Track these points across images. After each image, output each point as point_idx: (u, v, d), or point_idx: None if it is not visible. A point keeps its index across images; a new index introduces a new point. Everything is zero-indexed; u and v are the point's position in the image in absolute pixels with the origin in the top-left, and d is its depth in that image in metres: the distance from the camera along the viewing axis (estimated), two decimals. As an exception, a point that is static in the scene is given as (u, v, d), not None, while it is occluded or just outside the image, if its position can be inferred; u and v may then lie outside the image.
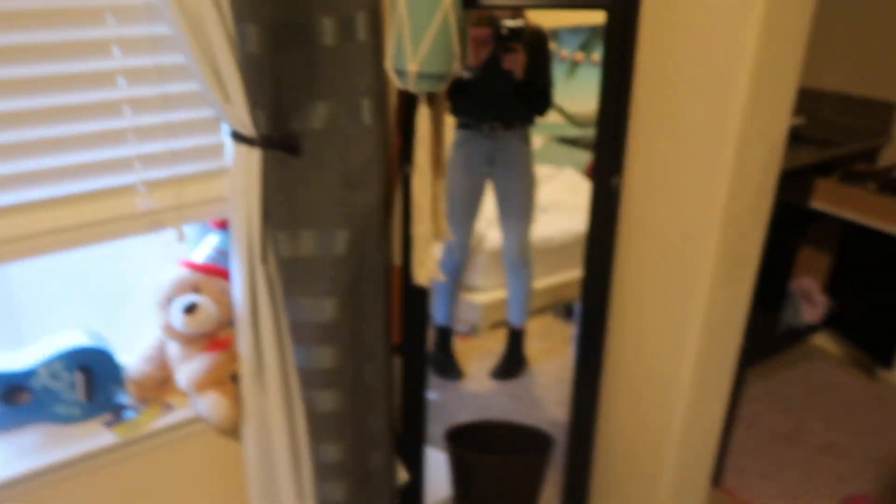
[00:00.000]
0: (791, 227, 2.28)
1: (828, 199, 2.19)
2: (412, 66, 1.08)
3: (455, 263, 2.48)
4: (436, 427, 2.21)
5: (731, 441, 2.06)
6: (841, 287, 2.57)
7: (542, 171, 3.32)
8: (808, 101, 2.54)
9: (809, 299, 2.58)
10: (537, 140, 3.52)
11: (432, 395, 2.53)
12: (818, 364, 2.61)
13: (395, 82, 1.13)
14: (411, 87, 1.10)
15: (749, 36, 1.09)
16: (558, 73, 2.51)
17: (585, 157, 3.27)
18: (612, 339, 1.51)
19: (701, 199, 1.23)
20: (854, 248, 2.49)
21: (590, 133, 1.29)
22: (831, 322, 2.62)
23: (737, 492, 1.98)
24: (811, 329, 2.61)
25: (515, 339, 2.64)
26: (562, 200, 3.24)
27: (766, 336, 2.40)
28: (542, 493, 1.81)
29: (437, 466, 1.98)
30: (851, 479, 2.04)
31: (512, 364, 2.64)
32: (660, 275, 1.36)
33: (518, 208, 2.40)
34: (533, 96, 2.22)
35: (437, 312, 2.54)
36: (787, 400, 2.39)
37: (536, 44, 2.10)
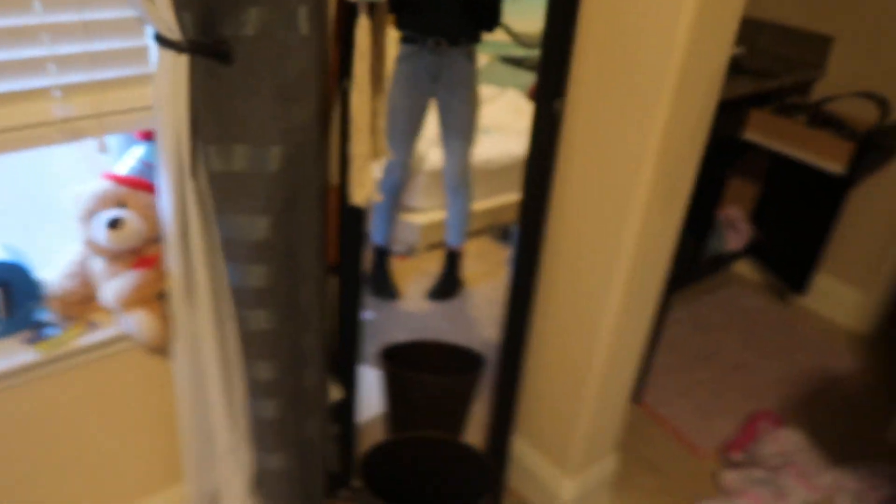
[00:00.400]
0: (723, 157, 2.33)
1: (760, 131, 2.24)
2: (352, -27, 1.02)
3: (395, 183, 2.44)
4: (372, 346, 2.24)
5: (653, 362, 2.17)
6: (765, 217, 2.68)
7: (485, 91, 3.28)
8: (749, 30, 2.56)
9: (734, 227, 2.68)
10: (482, 59, 3.45)
11: (369, 314, 2.55)
12: (738, 289, 2.74)
13: (334, -10, 1.07)
14: (351, -4, 1.05)
15: (698, -39, 1.08)
16: (506, -12, 2.44)
17: (530, 78, 3.23)
18: (547, 260, 1.53)
19: (640, 127, 1.24)
20: (780, 179, 2.58)
21: (535, 54, 1.27)
22: (753, 250, 2.74)
23: (654, 408, 2.10)
24: (734, 256, 2.73)
25: (452, 260, 2.66)
26: (504, 122, 3.22)
27: (692, 262, 2.49)
28: (472, 410, 1.88)
29: (371, 384, 2.02)
30: (759, 397, 2.19)
31: (448, 285, 2.67)
32: (596, 200, 1.37)
33: (460, 128, 2.37)
34: (481, 8, 2.15)
35: (375, 233, 2.52)
36: (707, 323, 2.52)
37: None
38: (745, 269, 2.88)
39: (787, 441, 1.93)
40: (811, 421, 2.10)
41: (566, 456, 1.66)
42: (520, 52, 3.33)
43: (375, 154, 1.38)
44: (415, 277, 2.80)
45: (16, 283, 1.17)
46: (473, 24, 2.18)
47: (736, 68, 2.29)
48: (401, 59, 2.20)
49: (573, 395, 1.59)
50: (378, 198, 1.26)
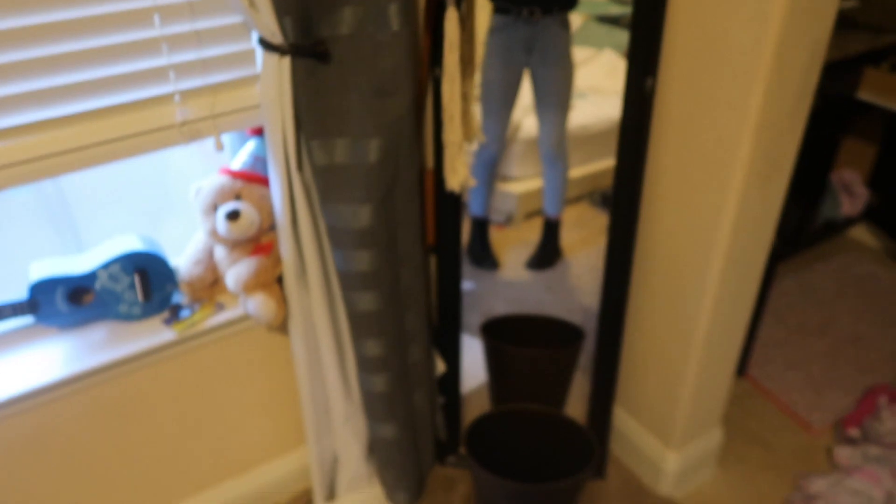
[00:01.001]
0: (835, 118, 2.20)
1: (876, 90, 2.10)
2: (440, -31, 1.05)
3: (492, 154, 2.46)
4: (473, 315, 2.30)
5: (758, 333, 2.11)
6: (884, 180, 2.51)
7: (580, 53, 3.21)
8: (866, -21, 2.38)
9: (850, 191, 2.53)
10: (576, 19, 3.36)
11: (469, 284, 2.61)
12: (853, 256, 2.59)
13: (423, -15, 1.11)
14: (439, -10, 1.08)
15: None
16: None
17: (626, 38, 3.16)
18: (643, 232, 1.53)
19: (736, 103, 1.21)
20: (901, 139, 2.41)
21: (630, 11, 1.26)
22: (871, 215, 2.58)
23: (761, 381, 2.05)
24: (849, 221, 2.58)
25: (550, 229, 2.66)
26: (600, 85, 3.14)
27: (802, 229, 2.38)
28: (573, 382, 1.91)
29: (474, 354, 2.09)
30: (875, 371, 2.09)
31: (547, 254, 2.68)
32: (692, 174, 1.36)
33: (556, 98, 2.35)
34: None
35: (473, 203, 2.56)
36: (818, 292, 2.41)
37: None
38: (862, 234, 2.71)
39: (907, 416, 1.84)
40: (936, 395, 1.98)
41: (669, 429, 1.67)
42: (616, 9, 3.22)
43: (468, 137, 1.42)
44: (514, 247, 2.83)
45: (153, 269, 1.31)
46: None
47: (847, 23, 2.15)
48: (494, 31, 2.19)
49: (675, 366, 1.58)
50: (472, 182, 1.30)
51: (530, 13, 2.15)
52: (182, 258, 1.38)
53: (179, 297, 1.39)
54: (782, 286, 2.45)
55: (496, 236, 2.83)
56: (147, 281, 1.31)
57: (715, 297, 1.44)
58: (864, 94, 2.13)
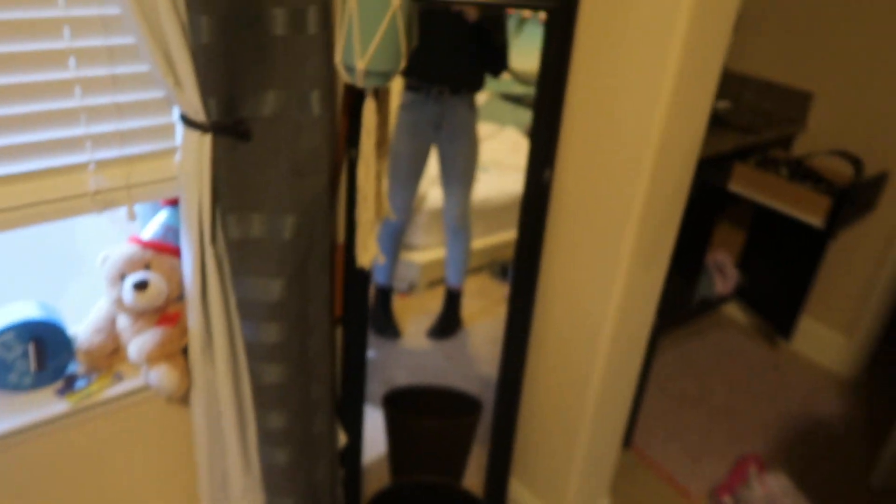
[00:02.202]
0: (710, 206, 2.45)
1: (744, 183, 2.36)
2: (360, 64, 1.13)
3: (398, 224, 2.53)
4: (373, 384, 2.32)
5: (642, 405, 2.26)
6: (752, 262, 2.78)
7: (484, 128, 3.37)
8: (734, 84, 2.69)
9: (722, 272, 2.79)
10: (481, 96, 3.55)
11: (371, 353, 2.62)
12: (727, 333, 2.83)
13: (344, 77, 1.18)
14: (359, 83, 1.16)
15: (673, 46, 1.19)
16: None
17: (529, 116, 3.34)
18: (540, 311, 1.63)
19: (624, 191, 1.35)
20: (765, 227, 2.69)
21: (533, 92, 1.40)
22: (741, 294, 2.84)
23: (645, 451, 2.18)
24: (723, 300, 2.83)
25: (452, 299, 2.74)
26: (502, 159, 3.31)
27: (682, 305, 2.59)
28: (472, 451, 1.96)
29: (375, 424, 2.09)
30: (746, 440, 2.27)
31: (448, 324, 2.75)
32: (585, 256, 1.48)
33: (461, 173, 2.46)
34: (489, 54, 2.23)
35: (378, 272, 2.61)
36: (695, 365, 2.61)
37: None
38: (734, 312, 2.97)
39: (773, 485, 2.01)
40: (797, 464, 2.18)
41: (562, 499, 1.74)
42: (518, 89, 3.42)
43: (379, 215, 1.49)
44: (415, 315, 2.87)
45: (49, 338, 1.26)
46: (480, 71, 2.27)
47: (721, 122, 2.42)
48: (404, 108, 2.29)
49: (568, 438, 1.67)
50: (382, 260, 1.36)
51: (439, 92, 2.27)
52: (82, 326, 1.34)
53: (76, 367, 1.35)
54: (664, 358, 2.63)
55: (398, 305, 2.87)
56: (42, 350, 1.27)
57: (603, 371, 1.55)
58: (734, 186, 2.39)
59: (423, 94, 2.26)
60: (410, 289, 3.10)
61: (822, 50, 2.43)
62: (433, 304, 2.91)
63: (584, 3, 1.31)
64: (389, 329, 2.69)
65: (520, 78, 3.37)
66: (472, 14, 1.92)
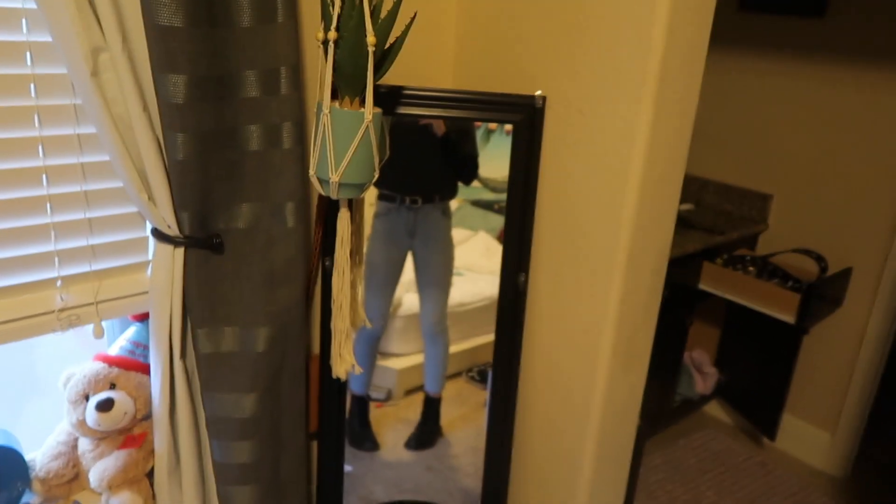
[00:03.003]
0: (683, 305, 2.47)
1: (713, 281, 2.40)
2: (334, 178, 1.15)
3: (374, 332, 2.51)
4: (350, 499, 2.21)
5: (632, 512, 2.17)
6: (729, 359, 2.78)
7: (457, 234, 3.43)
8: (696, 187, 2.79)
9: (701, 371, 2.78)
10: (452, 203, 3.65)
11: (347, 467, 2.52)
12: (711, 433, 2.79)
13: (318, 189, 1.20)
14: (333, 195, 1.17)
15: (635, 160, 1.24)
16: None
17: (500, 221, 3.41)
18: (521, 419, 1.59)
19: (597, 297, 1.35)
20: (739, 324, 2.71)
21: (503, 198, 1.43)
22: (721, 392, 2.82)
23: (638, 562, 2.07)
24: (704, 399, 2.80)
25: (431, 406, 2.67)
26: (476, 264, 3.35)
27: (663, 407, 2.56)
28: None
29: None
30: (741, 546, 2.18)
31: (427, 433, 2.67)
32: (563, 362, 1.46)
33: (436, 279, 2.47)
34: (459, 165, 2.30)
35: (354, 382, 2.56)
36: (683, 469, 2.54)
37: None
38: (716, 411, 2.94)
39: None
40: (794, 570, 2.09)
41: None
42: (489, 195, 3.52)
43: (354, 324, 1.47)
44: (393, 425, 2.78)
45: (4, 464, 1.19)
46: (451, 181, 2.34)
47: (686, 224, 2.48)
48: (379, 216, 2.33)
49: (554, 555, 1.59)
50: (358, 370, 1.33)
51: (412, 201, 2.32)
52: (39, 452, 1.27)
53: (31, 497, 1.26)
54: (651, 463, 2.56)
55: (375, 414, 2.79)
56: (-4, 478, 1.19)
57: (590, 479, 1.50)
58: (704, 285, 2.42)
59: (397, 203, 2.30)
60: (388, 397, 3.03)
61: (778, 154, 2.55)
62: (411, 412, 2.83)
63: (548, 115, 1.37)
64: (367, 441, 2.61)
65: (489, 185, 3.47)
66: (440, 129, 2.00)
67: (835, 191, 2.41)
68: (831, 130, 2.39)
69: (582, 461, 1.48)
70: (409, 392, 2.95)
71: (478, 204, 3.72)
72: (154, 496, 1.26)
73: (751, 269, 2.39)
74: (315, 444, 1.56)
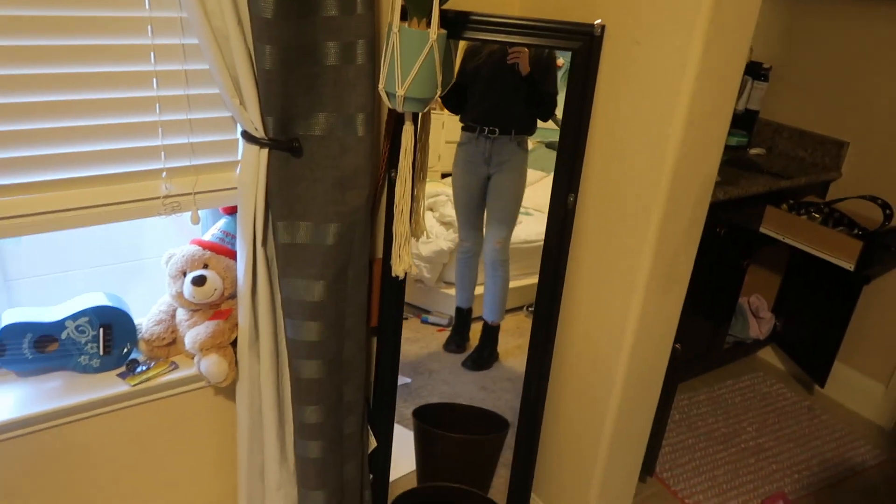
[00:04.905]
0: (743, 247, 2.50)
1: (775, 225, 2.41)
2: (400, 91, 1.28)
3: (467, 251, 2.65)
4: (406, 410, 2.42)
5: (664, 437, 2.29)
6: (786, 307, 2.80)
7: (530, 175, 3.52)
8: (769, 132, 2.77)
9: (758, 316, 2.81)
10: (530, 142, 3.72)
11: (406, 379, 2.73)
12: (761, 376, 2.84)
13: (386, 102, 1.33)
14: (399, 108, 1.31)
15: (683, 93, 1.31)
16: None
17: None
18: (562, 333, 1.72)
19: (639, 221, 1.45)
20: (800, 271, 2.72)
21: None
22: (776, 338, 2.85)
23: (669, 483, 2.20)
24: (758, 343, 2.84)
25: (489, 333, 2.83)
26: (544, 204, 3.43)
27: (713, 347, 2.62)
28: (496, 470, 2.03)
29: (405, 445, 2.19)
30: (774, 480, 2.27)
31: (484, 356, 2.83)
32: (604, 281, 1.57)
33: (504, 207, 2.59)
34: (537, 102, 2.39)
35: (459, 297, 2.74)
36: (727, 406, 2.62)
37: (543, 53, 2.29)
38: (769, 356, 2.97)
39: (798, 522, 2.01)
40: (826, 506, 2.17)
41: (579, 517, 1.80)
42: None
43: (416, 233, 1.63)
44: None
45: (117, 325, 1.42)
46: (529, 117, 2.43)
47: (754, 167, 2.49)
48: (460, 144, 2.47)
49: (587, 460, 1.73)
50: (415, 270, 1.49)
51: (490, 131, 2.44)
52: (145, 318, 1.50)
53: (137, 355, 1.50)
54: (696, 398, 2.65)
55: (437, 337, 2.98)
56: (110, 335, 1.43)
57: (622, 393, 1.62)
58: (766, 228, 2.44)
59: (476, 133, 2.43)
60: (449, 323, 3.21)
61: (857, 101, 2.49)
62: (473, 339, 3.00)
63: (606, 44, 1.44)
64: (453, 344, 2.80)
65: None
66: (524, 67, 2.09)
67: (913, 141, 2.35)
68: (915, 78, 2.32)
69: (615, 377, 1.60)
70: (473, 320, 3.11)
71: (553, 146, 3.78)
72: (236, 363, 1.47)
73: (815, 215, 2.39)
74: (375, 340, 1.74)
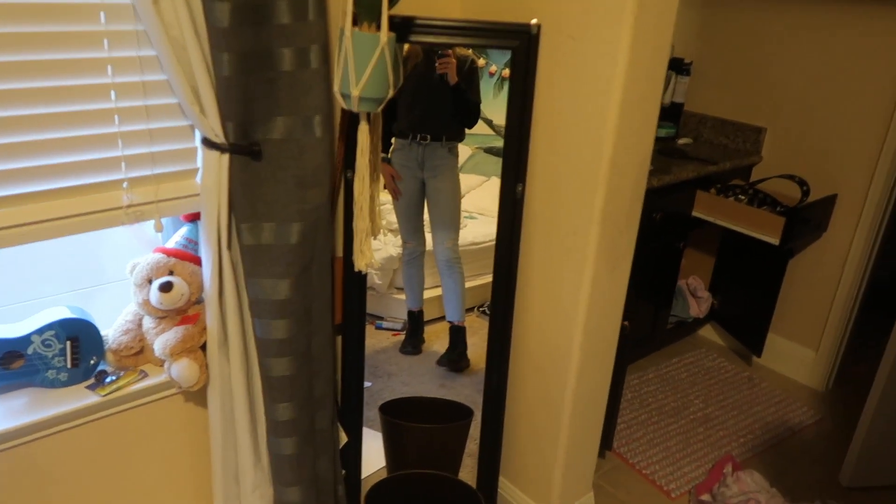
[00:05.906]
0: (679, 231, 2.65)
1: (706, 208, 2.58)
2: (355, 92, 1.35)
3: (413, 252, 2.72)
4: (370, 412, 2.46)
5: (620, 415, 2.41)
6: (721, 285, 2.98)
7: (471, 180, 3.61)
8: (695, 123, 2.95)
9: (696, 296, 2.98)
10: (466, 151, 3.83)
11: (367, 383, 2.76)
12: (703, 352, 3.00)
13: (341, 103, 1.40)
14: (354, 108, 1.37)
15: (616, 82, 1.42)
16: (488, 87, 2.82)
17: (510, 169, 3.57)
18: (518, 319, 1.81)
19: (584, 203, 1.55)
20: (732, 251, 2.90)
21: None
22: (715, 315, 3.02)
23: (627, 457, 2.32)
24: (698, 322, 3.01)
25: (457, 334, 2.90)
26: (488, 207, 3.53)
27: (658, 327, 2.77)
28: (463, 456, 2.10)
29: (376, 445, 2.23)
30: (722, 445, 2.41)
31: (457, 356, 2.90)
32: (555, 264, 1.67)
33: (445, 207, 2.69)
34: (462, 112, 2.51)
35: (409, 300, 2.80)
36: (674, 382, 2.76)
37: (466, 64, 2.40)
38: (709, 333, 3.15)
39: (748, 481, 2.14)
40: (771, 467, 2.32)
41: (548, 495, 1.88)
42: (501, 143, 3.70)
43: (374, 231, 1.69)
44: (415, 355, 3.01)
45: (84, 337, 1.43)
46: (458, 125, 2.54)
47: (684, 155, 2.65)
48: (395, 150, 2.56)
49: (549, 439, 1.82)
50: (377, 264, 1.55)
51: (422, 138, 2.54)
52: (111, 328, 1.51)
53: (105, 366, 1.51)
54: (645, 377, 2.79)
55: (392, 341, 3.02)
56: (77, 348, 1.43)
57: (578, 373, 1.71)
58: (698, 212, 2.60)
59: (409, 140, 2.53)
60: (403, 328, 3.26)
61: (771, 89, 2.69)
62: (427, 340, 3.07)
63: (543, 41, 1.54)
64: (409, 347, 2.85)
65: (501, 133, 3.64)
66: (452, 79, 2.21)
67: (823, 123, 2.56)
68: (820, 64, 2.53)
69: (571, 355, 1.70)
70: (428, 322, 3.18)
71: (490, 151, 3.91)
72: (206, 365, 1.50)
73: (741, 197, 2.56)
74: (340, 338, 1.79)
